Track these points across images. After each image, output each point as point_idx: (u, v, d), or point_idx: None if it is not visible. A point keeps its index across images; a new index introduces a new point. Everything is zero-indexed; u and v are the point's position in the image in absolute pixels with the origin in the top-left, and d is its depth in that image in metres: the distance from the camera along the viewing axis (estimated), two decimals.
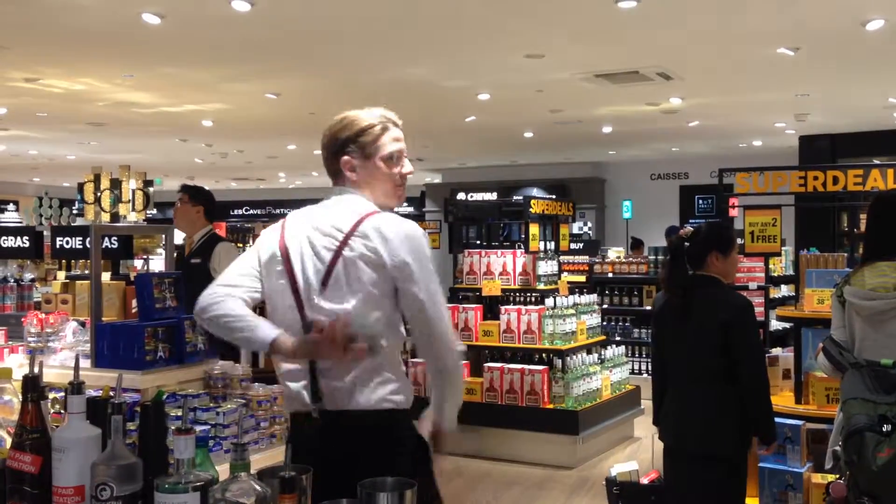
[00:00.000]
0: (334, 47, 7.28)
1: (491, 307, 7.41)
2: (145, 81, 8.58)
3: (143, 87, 8.83)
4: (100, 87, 8.84)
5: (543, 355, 6.95)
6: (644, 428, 7.20)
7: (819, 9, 6.15)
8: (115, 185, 7.34)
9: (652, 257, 9.83)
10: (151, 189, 7.68)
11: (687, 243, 3.71)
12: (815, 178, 5.34)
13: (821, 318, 4.37)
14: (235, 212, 23.40)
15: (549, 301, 6.94)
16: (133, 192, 7.31)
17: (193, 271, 5.15)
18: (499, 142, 13.32)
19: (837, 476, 3.04)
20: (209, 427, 3.07)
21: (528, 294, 7.33)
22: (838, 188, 5.35)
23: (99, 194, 7.27)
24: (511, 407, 6.64)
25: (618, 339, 9.10)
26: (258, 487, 1.53)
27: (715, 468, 3.53)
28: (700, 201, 16.31)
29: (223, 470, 1.73)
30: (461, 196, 16.85)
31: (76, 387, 1.68)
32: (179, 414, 2.69)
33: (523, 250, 7.57)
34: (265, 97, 9.32)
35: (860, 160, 9.95)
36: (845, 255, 5.68)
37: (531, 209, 7.52)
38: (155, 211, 12.22)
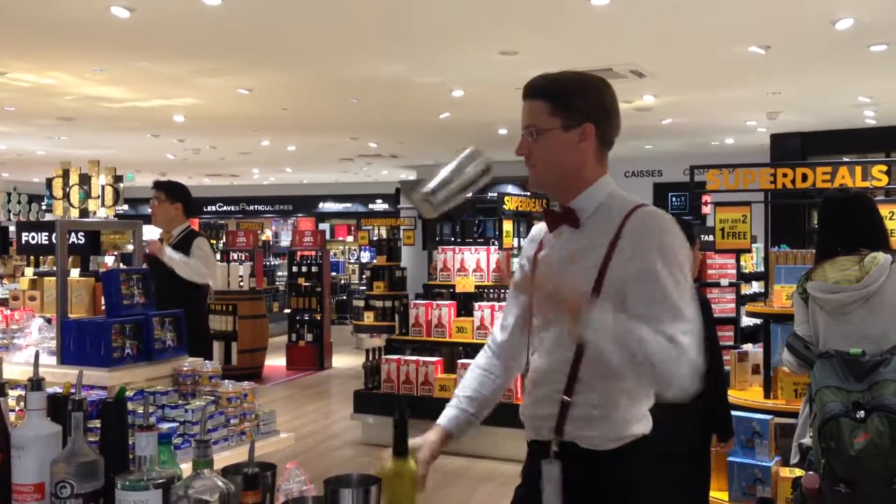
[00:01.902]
0: (307, 43, 7.24)
1: (465, 304, 7.42)
2: (115, 76, 8.48)
3: (114, 81, 8.73)
4: (69, 82, 8.73)
5: None
6: None
7: (789, 7, 6.21)
8: (85, 180, 7.26)
9: None
10: (122, 185, 7.61)
11: None
12: (785, 175, 5.40)
13: (789, 313, 4.40)
14: (209, 208, 23.23)
15: None
16: (103, 187, 7.24)
17: (168, 267, 5.13)
18: (473, 139, 13.30)
19: (807, 470, 3.07)
20: (177, 424, 3.05)
21: (502, 290, 7.34)
22: (807, 185, 5.42)
23: (68, 190, 7.19)
24: None
25: None
26: (221, 484, 1.52)
27: (674, 464, 3.55)
28: (673, 199, 16.42)
29: (190, 468, 1.71)
30: None
31: (35, 383, 1.66)
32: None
33: (497, 247, 7.57)
34: (238, 92, 9.24)
35: (830, 158, 10.07)
36: (814, 251, 5.74)
37: (505, 206, 7.53)
38: (126, 207, 12.11)
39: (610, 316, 1.75)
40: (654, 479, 1.96)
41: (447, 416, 2.08)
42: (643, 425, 1.98)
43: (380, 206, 21.96)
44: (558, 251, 1.98)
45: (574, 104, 1.92)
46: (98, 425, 1.90)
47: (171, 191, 5.42)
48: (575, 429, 1.90)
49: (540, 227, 2.14)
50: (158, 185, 5.48)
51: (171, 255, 5.12)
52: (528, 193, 14.25)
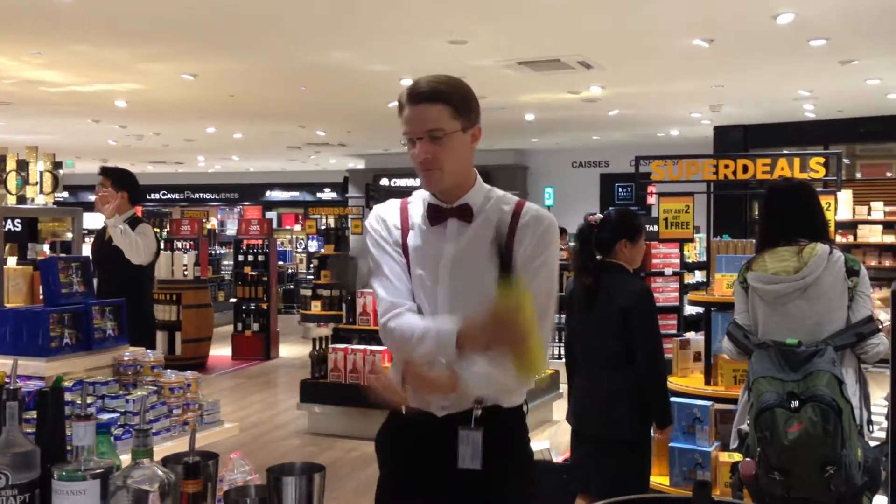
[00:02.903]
0: (254, 28, 7.14)
1: None
2: (55, 59, 8.26)
3: (53, 65, 8.50)
4: (6, 65, 8.48)
5: None
6: (562, 411, 7.31)
7: (732, 1, 6.32)
8: (23, 166, 7.04)
9: (573, 244, 9.97)
10: (61, 171, 7.40)
11: (596, 230, 3.78)
12: (726, 166, 5.49)
13: (730, 302, 4.49)
14: (152, 196, 22.82)
15: None
16: (41, 174, 7.04)
17: (115, 255, 5.06)
18: None
19: (745, 456, 3.13)
20: (118, 415, 2.99)
21: None
22: (748, 176, 5.52)
23: (5, 176, 6.97)
24: None
25: None
26: (161, 473, 1.49)
27: (615, 451, 3.60)
28: (620, 189, 16.63)
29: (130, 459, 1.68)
30: (384, 182, 16.79)
31: None
32: (88, 401, 2.61)
33: None
34: (182, 78, 9.08)
35: (771, 150, 10.29)
36: (754, 241, 5.86)
37: None
38: (66, 194, 11.81)
39: (479, 367, 1.91)
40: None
41: None
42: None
43: (328, 194, 21.81)
44: (451, 244, 2.04)
45: (470, 107, 2.04)
46: (35, 416, 1.86)
47: (118, 178, 5.33)
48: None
49: (392, 210, 2.13)
50: (105, 172, 5.38)
51: (115, 224, 5.08)
52: None
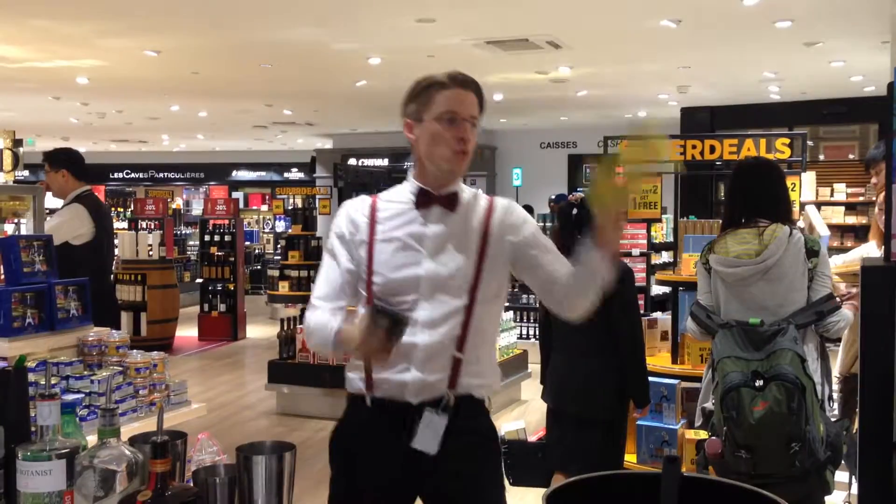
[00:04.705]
0: (218, 4, 7.03)
1: None
2: (12, 34, 8.07)
3: (11, 40, 8.30)
4: None
5: None
6: (531, 391, 7.37)
7: None
8: None
9: (540, 224, 10.01)
10: (22, 149, 7.26)
11: (576, 210, 3.78)
12: (694, 147, 5.54)
13: (696, 281, 4.54)
14: (115, 175, 22.47)
15: None
16: (1, 151, 6.90)
17: None
18: (390, 107, 13.10)
19: (710, 434, 3.17)
20: (83, 395, 2.96)
21: None
22: (715, 157, 5.56)
23: None
24: None
25: (506, 304, 9.21)
26: (128, 453, 1.48)
27: (592, 430, 3.63)
28: (588, 170, 16.69)
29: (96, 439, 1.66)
30: (352, 162, 16.68)
31: None
32: (52, 382, 2.57)
33: None
34: (144, 54, 8.92)
35: (737, 131, 10.38)
36: (720, 221, 5.92)
37: None
38: (27, 172, 11.58)
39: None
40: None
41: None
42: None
43: (295, 174, 21.64)
44: (435, 227, 2.12)
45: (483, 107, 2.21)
46: None
47: (53, 159, 5.21)
48: (470, 377, 2.08)
49: (361, 207, 2.17)
50: (44, 156, 5.28)
51: None
52: None
